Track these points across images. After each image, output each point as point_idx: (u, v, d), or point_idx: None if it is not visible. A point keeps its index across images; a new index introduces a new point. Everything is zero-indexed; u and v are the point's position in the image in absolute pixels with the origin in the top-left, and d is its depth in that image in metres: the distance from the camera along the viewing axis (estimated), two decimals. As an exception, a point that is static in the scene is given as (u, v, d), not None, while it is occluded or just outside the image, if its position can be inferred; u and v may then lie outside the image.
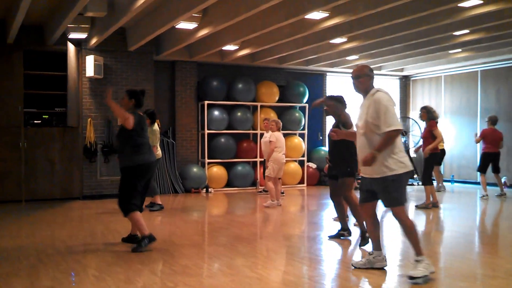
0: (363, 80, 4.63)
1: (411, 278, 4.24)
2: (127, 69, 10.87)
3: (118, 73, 10.80)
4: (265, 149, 9.77)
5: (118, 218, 7.82)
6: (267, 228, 7.68)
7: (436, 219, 8.16)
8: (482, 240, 6.72)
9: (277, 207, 9.17)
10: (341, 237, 6.18)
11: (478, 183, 13.05)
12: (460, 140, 13.78)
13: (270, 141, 9.40)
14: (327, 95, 6.39)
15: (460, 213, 8.90)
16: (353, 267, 4.74)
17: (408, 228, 4.40)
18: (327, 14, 8.25)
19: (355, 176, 6.02)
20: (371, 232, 4.73)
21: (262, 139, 10.18)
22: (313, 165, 13.34)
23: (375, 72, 16.74)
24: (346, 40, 10.41)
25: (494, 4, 7.78)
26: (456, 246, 6.14)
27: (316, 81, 13.99)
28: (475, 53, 12.09)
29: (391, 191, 4.36)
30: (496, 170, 10.56)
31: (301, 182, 13.04)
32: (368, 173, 4.47)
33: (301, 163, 13.01)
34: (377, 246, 4.70)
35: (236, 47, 11.01)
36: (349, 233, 6.21)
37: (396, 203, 4.38)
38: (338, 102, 5.95)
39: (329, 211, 9.30)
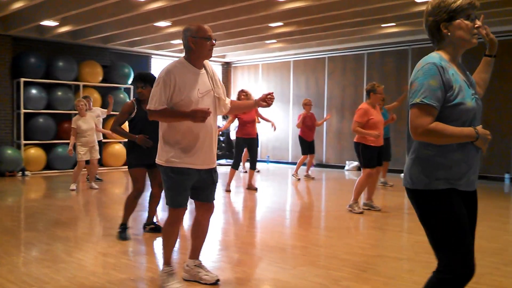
0: None
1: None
2: None
3: None
4: (93, 132, 9.01)
5: None
6: (88, 211, 7.59)
7: (252, 198, 8.85)
8: (292, 215, 7.37)
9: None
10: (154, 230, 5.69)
11: (290, 163, 14.39)
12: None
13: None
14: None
15: (273, 191, 9.74)
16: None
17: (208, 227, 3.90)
18: (152, -2, 8.37)
19: None
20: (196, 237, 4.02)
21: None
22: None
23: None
24: (170, 24, 10.61)
25: (303, 0, 8.63)
26: (268, 221, 6.74)
27: (142, 63, 14.00)
28: (288, 45, 13.20)
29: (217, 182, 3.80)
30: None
31: (126, 164, 12.97)
32: (211, 163, 3.66)
33: (126, 144, 12.94)
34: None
35: (56, 23, 10.51)
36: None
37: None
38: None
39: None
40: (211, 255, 4.75)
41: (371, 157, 6.95)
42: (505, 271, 4.28)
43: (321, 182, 11.14)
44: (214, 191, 3.78)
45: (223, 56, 15.37)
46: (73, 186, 9.07)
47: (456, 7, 2.29)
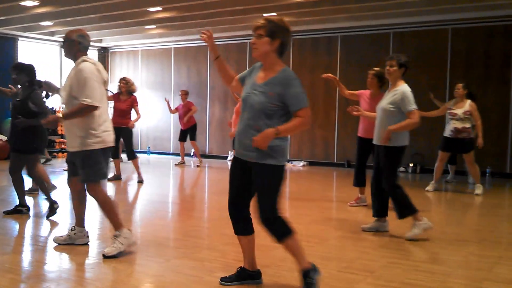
0: (67, 45, 4.35)
1: (105, 256, 4.14)
2: None
3: None
4: None
5: None
6: None
7: (133, 190, 8.46)
8: (173, 207, 7.17)
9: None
10: (20, 213, 5.92)
11: (172, 154, 14.10)
12: (155, 114, 14.50)
13: None
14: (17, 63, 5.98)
15: (155, 183, 9.34)
16: (55, 243, 4.55)
17: (103, 203, 4.33)
18: (14, -27, 7.59)
19: (41, 152, 5.91)
20: (76, 207, 4.59)
21: None
22: (3, 138, 12.24)
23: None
24: (38, 4, 9.76)
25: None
26: (148, 214, 6.45)
27: (7, 45, 12.78)
28: (169, 31, 12.81)
29: (85, 167, 4.24)
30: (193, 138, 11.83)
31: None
32: (70, 146, 4.34)
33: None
34: (80, 222, 4.57)
35: None
36: (28, 209, 5.97)
37: (88, 179, 4.28)
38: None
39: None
40: (83, 250, 4.44)
41: None
42: (373, 255, 4.39)
43: (204, 173, 11.00)
44: (83, 173, 4.28)
45: (100, 41, 14.54)
46: None
47: None
